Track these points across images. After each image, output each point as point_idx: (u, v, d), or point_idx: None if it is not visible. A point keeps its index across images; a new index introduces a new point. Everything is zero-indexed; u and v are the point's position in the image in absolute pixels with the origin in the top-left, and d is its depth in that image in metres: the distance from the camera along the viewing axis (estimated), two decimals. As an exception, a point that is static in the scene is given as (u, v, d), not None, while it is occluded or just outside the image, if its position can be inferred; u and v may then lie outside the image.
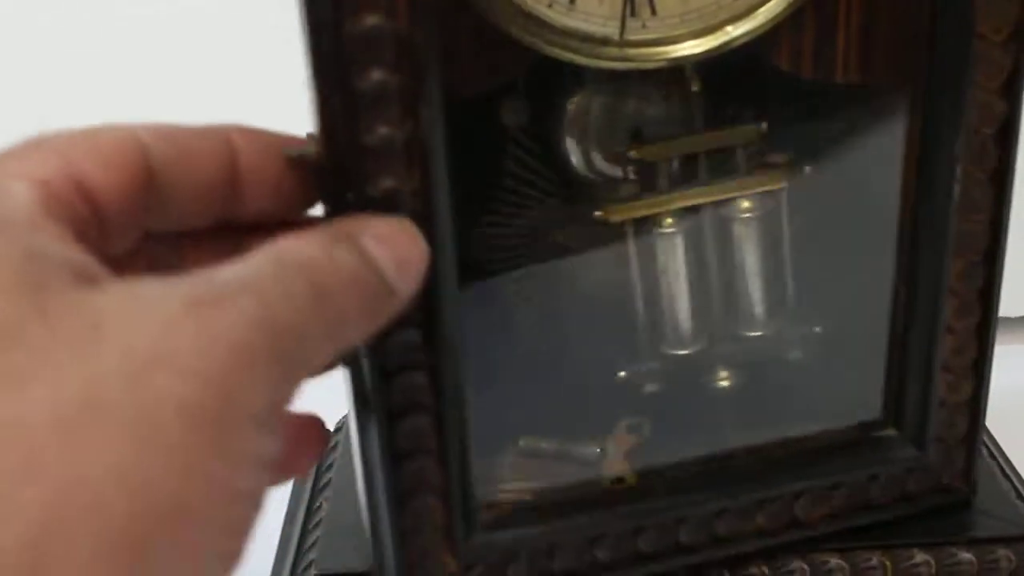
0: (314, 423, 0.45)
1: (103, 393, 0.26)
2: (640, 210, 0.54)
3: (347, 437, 0.53)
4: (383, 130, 0.42)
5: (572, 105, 0.54)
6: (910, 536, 0.57)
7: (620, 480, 0.56)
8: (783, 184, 0.55)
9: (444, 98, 0.43)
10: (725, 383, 0.58)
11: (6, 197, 0.31)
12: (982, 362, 0.55)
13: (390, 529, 0.50)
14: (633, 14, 0.48)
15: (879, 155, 0.53)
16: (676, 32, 0.49)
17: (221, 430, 0.28)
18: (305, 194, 0.42)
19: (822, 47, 0.51)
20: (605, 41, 0.48)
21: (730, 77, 0.52)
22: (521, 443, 0.57)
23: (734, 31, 0.49)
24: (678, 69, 0.52)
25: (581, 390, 0.57)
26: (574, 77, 0.53)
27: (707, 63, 0.50)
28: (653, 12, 0.48)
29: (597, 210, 0.54)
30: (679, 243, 0.55)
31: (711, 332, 0.58)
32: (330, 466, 0.63)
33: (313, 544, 0.57)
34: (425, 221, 0.44)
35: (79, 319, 0.28)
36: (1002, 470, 0.62)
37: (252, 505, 0.30)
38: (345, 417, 0.63)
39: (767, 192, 0.55)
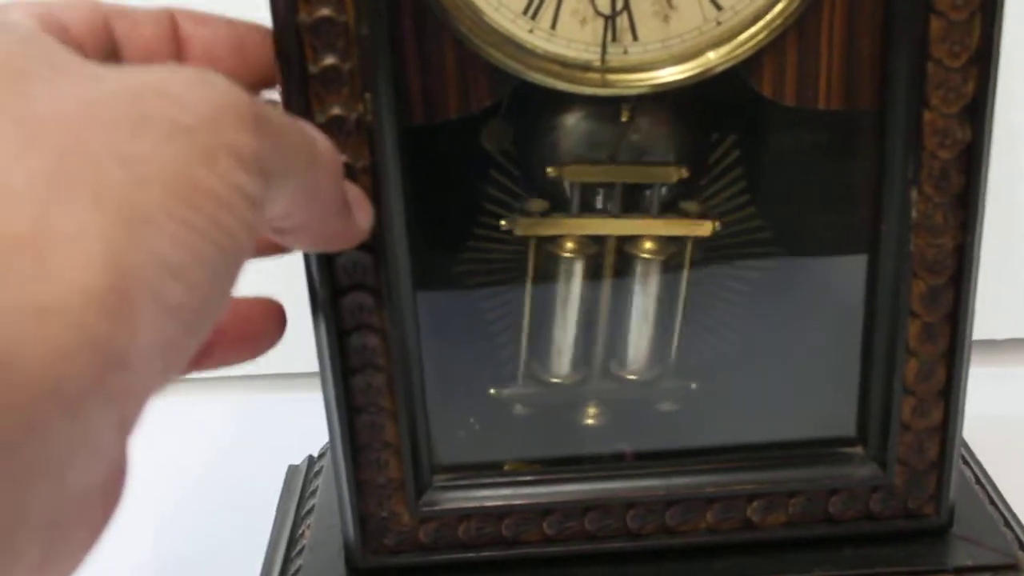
0: (273, 304, 0.49)
1: (104, 107, 0.31)
2: (545, 228, 0.56)
3: (330, 463, 0.56)
4: (335, 110, 0.48)
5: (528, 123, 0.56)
6: (885, 563, 0.58)
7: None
8: (692, 232, 0.57)
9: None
10: (591, 421, 0.60)
11: (13, 22, 0.38)
12: (952, 389, 0.55)
13: (347, 479, 0.55)
14: (615, 39, 0.50)
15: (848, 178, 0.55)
16: (657, 58, 0.51)
17: (207, 148, 0.32)
18: (257, 70, 0.47)
19: (805, 73, 0.52)
20: (586, 67, 0.51)
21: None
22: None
23: (715, 57, 0.51)
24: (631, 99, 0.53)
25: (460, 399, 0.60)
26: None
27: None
28: (635, 37, 0.51)
29: (505, 220, 0.56)
30: (577, 270, 0.57)
31: (590, 366, 0.60)
32: (314, 491, 0.67)
33: (296, 572, 0.60)
34: (375, 193, 0.49)
35: (83, 70, 0.33)
36: (989, 498, 0.62)
37: (239, 223, 0.32)
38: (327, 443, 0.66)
39: (673, 237, 0.57)
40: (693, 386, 0.60)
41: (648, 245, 0.57)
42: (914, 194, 0.51)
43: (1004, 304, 0.88)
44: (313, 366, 0.53)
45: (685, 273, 0.58)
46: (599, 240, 0.57)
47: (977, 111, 0.50)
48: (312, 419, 0.59)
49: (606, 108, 0.54)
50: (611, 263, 0.58)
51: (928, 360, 0.54)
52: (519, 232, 0.56)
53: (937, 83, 0.49)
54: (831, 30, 0.51)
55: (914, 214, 0.52)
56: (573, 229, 0.57)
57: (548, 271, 0.58)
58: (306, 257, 0.51)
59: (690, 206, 0.57)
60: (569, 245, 0.57)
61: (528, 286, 0.58)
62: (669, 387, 0.60)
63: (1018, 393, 0.83)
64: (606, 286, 0.58)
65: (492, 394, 0.60)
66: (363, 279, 0.51)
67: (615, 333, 0.60)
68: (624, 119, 0.54)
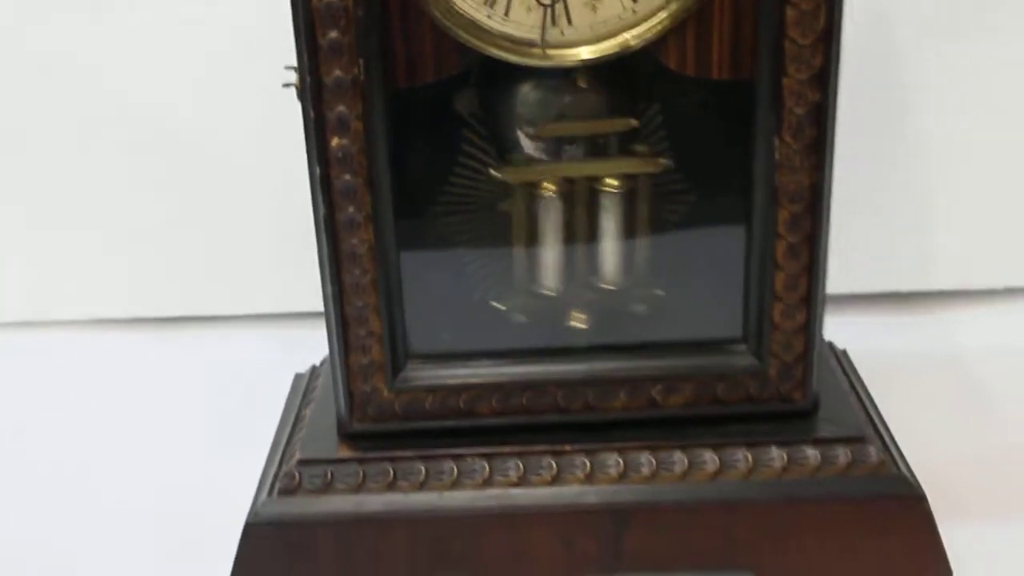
0: None
1: None
2: (528, 175, 0.72)
3: (328, 368, 0.73)
4: (337, 72, 0.64)
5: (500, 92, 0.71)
6: (762, 435, 0.74)
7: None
8: (646, 169, 0.72)
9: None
10: (580, 324, 0.75)
11: None
12: (812, 296, 0.71)
13: (339, 361, 0.71)
14: (554, 23, 0.66)
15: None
16: (586, 37, 0.67)
17: None
18: None
19: (701, 50, 0.68)
20: (532, 44, 0.67)
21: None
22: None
23: (631, 38, 0.67)
24: (572, 70, 0.69)
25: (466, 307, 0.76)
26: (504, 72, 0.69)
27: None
28: (569, 22, 0.66)
29: (494, 170, 0.71)
30: (556, 206, 0.73)
31: (574, 280, 0.75)
32: (315, 389, 0.83)
33: (300, 441, 0.76)
34: (366, 135, 0.65)
35: None
36: (854, 390, 0.79)
37: None
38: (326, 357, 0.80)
39: (631, 174, 0.72)
40: (660, 292, 0.75)
41: (612, 181, 0.72)
42: (776, 142, 0.67)
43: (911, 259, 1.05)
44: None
45: (645, 205, 0.73)
46: (572, 181, 0.73)
47: (824, 78, 0.66)
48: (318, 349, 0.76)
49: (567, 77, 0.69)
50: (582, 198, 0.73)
51: (792, 273, 0.70)
52: (507, 179, 0.72)
53: (792, 56, 0.65)
54: (721, 17, 0.66)
55: (777, 157, 0.67)
56: (550, 172, 0.72)
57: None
58: (312, 185, 0.67)
59: (642, 148, 0.72)
60: (549, 186, 0.72)
61: (523, 221, 0.73)
62: (639, 293, 0.75)
63: (922, 337, 1.03)
64: (579, 216, 0.73)
65: (494, 304, 0.75)
66: (354, 201, 0.66)
67: (592, 253, 0.74)
68: (581, 85, 0.70)
